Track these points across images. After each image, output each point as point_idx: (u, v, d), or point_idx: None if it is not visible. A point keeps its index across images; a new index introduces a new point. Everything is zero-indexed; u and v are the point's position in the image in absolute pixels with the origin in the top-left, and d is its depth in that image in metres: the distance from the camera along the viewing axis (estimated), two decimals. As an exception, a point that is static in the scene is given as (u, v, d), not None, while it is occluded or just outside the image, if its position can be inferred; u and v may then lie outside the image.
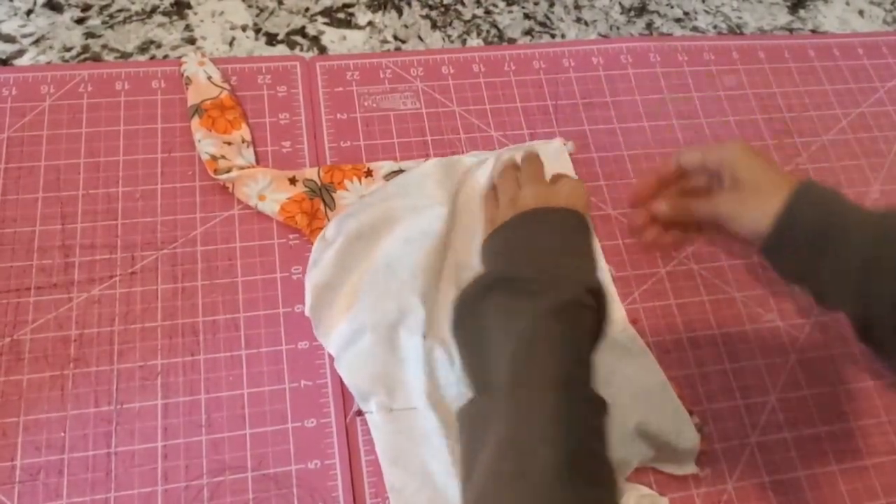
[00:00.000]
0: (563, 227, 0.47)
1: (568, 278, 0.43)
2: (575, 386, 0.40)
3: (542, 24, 0.77)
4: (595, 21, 0.78)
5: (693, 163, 0.54)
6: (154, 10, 0.70)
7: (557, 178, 0.53)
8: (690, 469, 0.55)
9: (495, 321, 0.43)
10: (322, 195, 0.60)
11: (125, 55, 0.67)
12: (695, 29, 0.79)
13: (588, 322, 0.43)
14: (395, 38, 0.73)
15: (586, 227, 0.48)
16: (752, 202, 0.49)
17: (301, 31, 0.71)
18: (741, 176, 0.50)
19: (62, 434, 0.51)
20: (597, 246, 0.62)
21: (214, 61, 0.66)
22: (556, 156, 0.65)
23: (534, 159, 0.55)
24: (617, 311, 0.60)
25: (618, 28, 0.78)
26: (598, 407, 0.41)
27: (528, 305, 0.42)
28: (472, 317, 0.44)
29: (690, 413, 0.56)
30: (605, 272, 0.60)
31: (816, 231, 0.46)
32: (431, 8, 0.76)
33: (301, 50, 0.70)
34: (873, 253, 0.45)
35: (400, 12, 0.75)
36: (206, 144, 0.60)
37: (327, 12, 0.73)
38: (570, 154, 0.66)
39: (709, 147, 0.54)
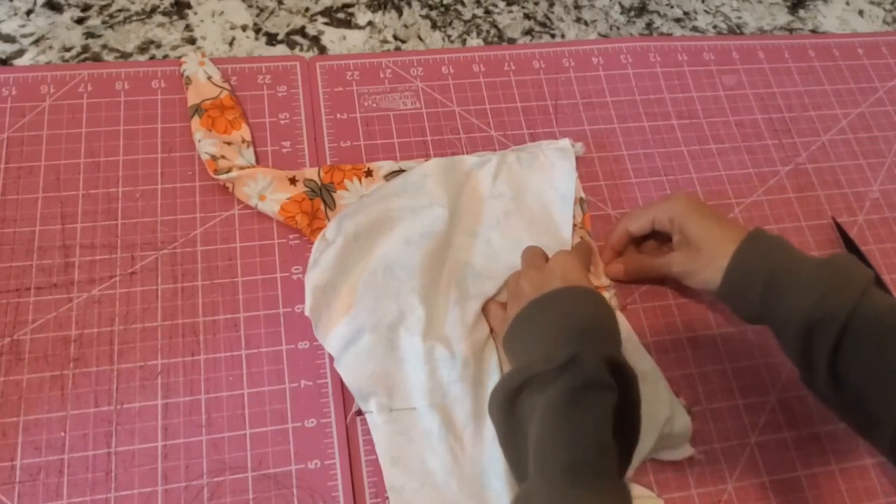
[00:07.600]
0: (563, 309, 0.47)
1: (577, 362, 0.43)
2: (583, 474, 0.40)
3: (542, 24, 0.77)
4: (595, 21, 0.78)
5: (643, 229, 0.57)
6: (154, 10, 0.70)
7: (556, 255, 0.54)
8: (688, 452, 0.54)
9: (524, 419, 0.44)
10: (322, 195, 0.60)
11: (125, 55, 0.67)
12: (695, 29, 0.79)
13: (606, 402, 0.43)
14: (395, 38, 0.73)
15: (589, 298, 0.48)
16: (702, 261, 0.53)
17: (301, 31, 0.71)
18: (689, 234, 0.53)
19: (62, 434, 0.51)
20: (591, 244, 0.62)
21: (214, 61, 0.66)
22: (561, 155, 0.64)
23: (528, 250, 0.56)
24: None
25: (618, 28, 0.78)
26: (614, 494, 0.41)
27: (542, 399, 0.43)
28: (505, 418, 0.45)
29: (677, 395, 0.56)
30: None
31: (763, 285, 0.49)
32: (431, 8, 0.76)
33: (301, 50, 0.70)
34: (811, 310, 0.46)
35: (400, 12, 0.75)
36: (206, 144, 0.60)
37: (327, 12, 0.73)
38: (578, 157, 0.65)
39: (655, 207, 0.57)
